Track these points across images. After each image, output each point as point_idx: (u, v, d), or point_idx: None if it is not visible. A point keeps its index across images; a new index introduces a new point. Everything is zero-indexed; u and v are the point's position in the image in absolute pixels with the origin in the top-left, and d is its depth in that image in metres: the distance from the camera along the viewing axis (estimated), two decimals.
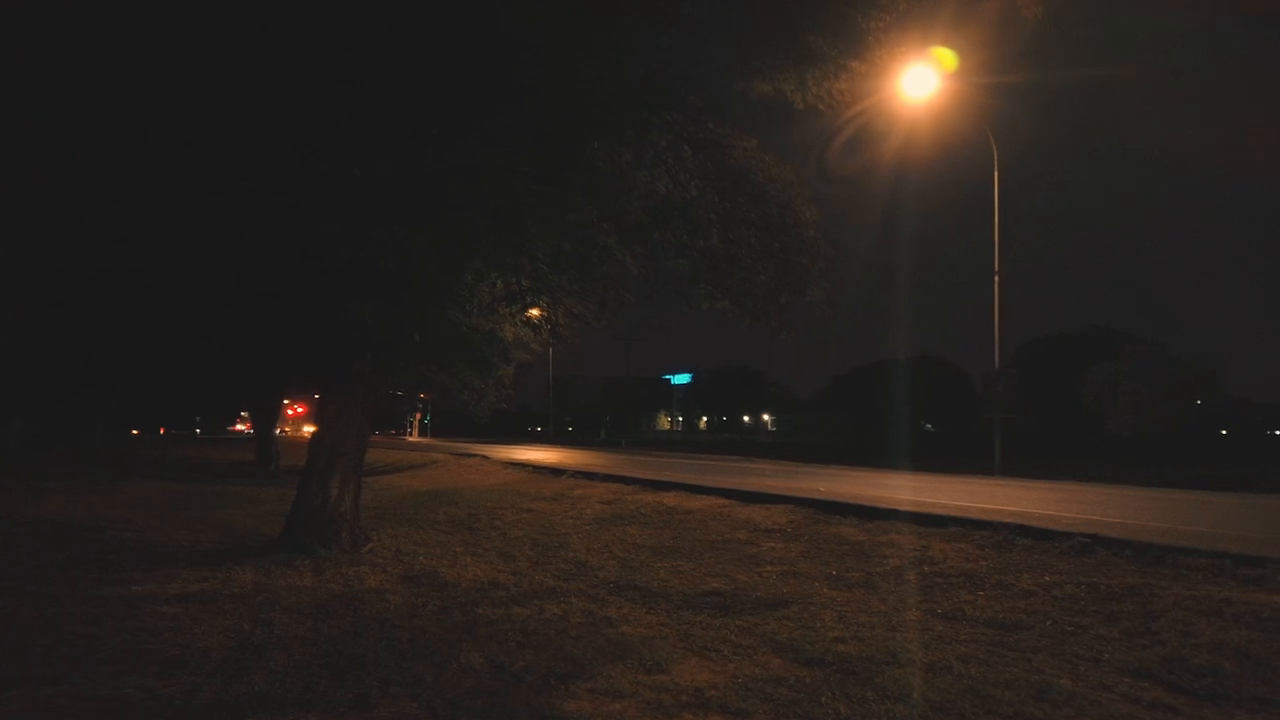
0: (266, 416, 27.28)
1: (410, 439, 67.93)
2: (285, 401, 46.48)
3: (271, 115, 6.72)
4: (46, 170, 7.25)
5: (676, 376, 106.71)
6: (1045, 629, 5.26)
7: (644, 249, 8.67)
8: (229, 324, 9.73)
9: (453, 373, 11.58)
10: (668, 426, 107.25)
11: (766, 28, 7.64)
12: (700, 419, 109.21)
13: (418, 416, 79.77)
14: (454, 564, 8.15)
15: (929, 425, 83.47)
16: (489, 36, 6.50)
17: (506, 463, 22.78)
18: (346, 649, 5.04)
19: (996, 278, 19.64)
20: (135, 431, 69.68)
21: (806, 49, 7.70)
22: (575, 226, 7.69)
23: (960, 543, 7.90)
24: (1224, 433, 66.35)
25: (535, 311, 10.19)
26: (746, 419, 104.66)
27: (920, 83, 15.44)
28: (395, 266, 7.61)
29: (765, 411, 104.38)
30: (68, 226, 7.89)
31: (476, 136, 7.14)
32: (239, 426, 78.14)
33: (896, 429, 62.07)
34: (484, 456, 26.19)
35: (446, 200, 7.34)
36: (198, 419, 72.92)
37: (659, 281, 8.90)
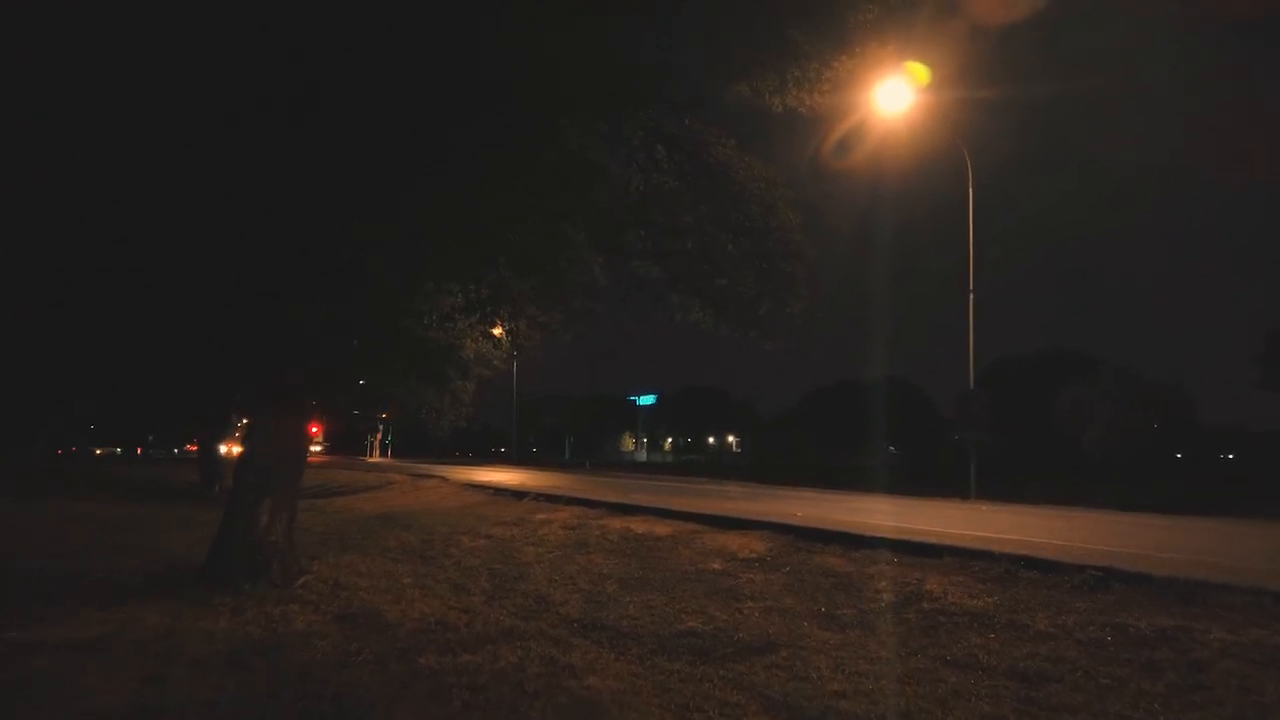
0: (211, 434, 25.84)
1: (370, 459, 66.07)
2: (244, 420, 44.81)
3: (269, 114, 6.26)
4: (47, 170, 6.70)
5: (642, 397, 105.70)
6: (1077, 681, 4.57)
7: (616, 250, 7.95)
8: (170, 327, 8.82)
9: (406, 387, 10.74)
10: (632, 447, 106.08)
11: (749, 19, 7.14)
12: (665, 440, 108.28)
13: (378, 436, 77.96)
14: (399, 599, 7.26)
15: (892, 448, 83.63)
16: (488, 35, 6.06)
17: (466, 484, 21.78)
18: (253, 713, 4.17)
19: (971, 296, 19.26)
20: (99, 451, 67.54)
21: (789, 45, 7.22)
22: (547, 216, 6.98)
23: (959, 575, 7.23)
24: (1179, 456, 67.02)
25: (498, 331, 9.55)
26: (712, 440, 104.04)
27: (895, 97, 15.14)
28: (339, 262, 6.83)
29: (730, 432, 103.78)
30: (69, 226, 7.26)
31: (475, 139, 6.61)
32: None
33: (865, 450, 61.77)
34: (443, 478, 25.13)
35: (415, 192, 6.68)
36: (150, 439, 70.72)
37: (631, 286, 8.18)
